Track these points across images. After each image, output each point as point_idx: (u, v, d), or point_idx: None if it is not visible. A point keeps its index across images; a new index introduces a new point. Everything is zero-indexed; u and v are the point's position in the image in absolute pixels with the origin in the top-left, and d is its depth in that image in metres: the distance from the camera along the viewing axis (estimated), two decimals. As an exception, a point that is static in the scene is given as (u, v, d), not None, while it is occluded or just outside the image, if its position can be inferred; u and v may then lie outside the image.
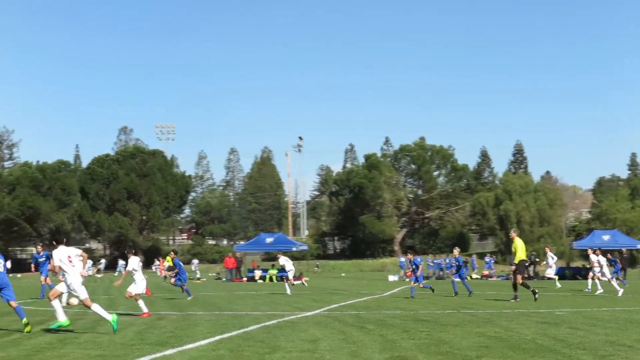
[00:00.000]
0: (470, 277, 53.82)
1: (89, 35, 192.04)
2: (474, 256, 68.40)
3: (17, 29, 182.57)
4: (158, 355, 11.66)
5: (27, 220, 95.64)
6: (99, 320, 16.54)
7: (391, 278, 52.64)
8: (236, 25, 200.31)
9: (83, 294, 15.13)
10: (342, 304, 24.82)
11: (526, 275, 34.51)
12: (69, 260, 15.12)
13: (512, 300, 25.18)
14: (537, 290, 25.35)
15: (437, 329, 15.46)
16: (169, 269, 46.63)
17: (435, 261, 61.20)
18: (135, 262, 20.32)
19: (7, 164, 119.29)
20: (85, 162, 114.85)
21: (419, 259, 30.44)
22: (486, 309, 21.70)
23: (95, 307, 14.97)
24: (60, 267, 15.28)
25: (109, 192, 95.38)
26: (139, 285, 20.38)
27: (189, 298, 27.52)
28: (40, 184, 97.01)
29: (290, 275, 34.28)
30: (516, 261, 25.70)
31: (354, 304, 24.61)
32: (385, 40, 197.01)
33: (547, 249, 44.11)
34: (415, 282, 29.11)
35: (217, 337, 14.11)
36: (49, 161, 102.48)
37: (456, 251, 33.71)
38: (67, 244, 15.81)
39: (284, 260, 34.65)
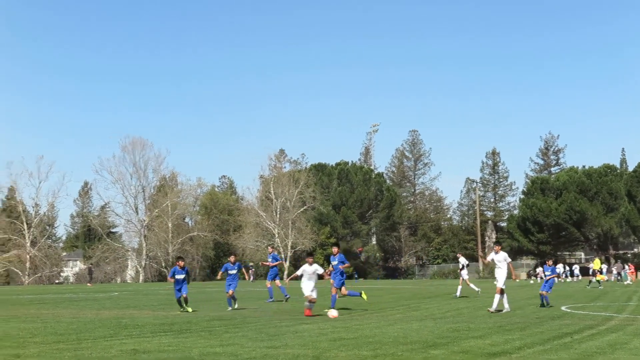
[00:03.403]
0: None
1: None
2: None
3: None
4: None
5: (574, 224, 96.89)
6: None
7: None
8: None
9: None
10: None
11: None
12: None
13: None
14: None
15: None
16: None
17: None
18: None
19: (553, 169, 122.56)
20: (631, 166, 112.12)
21: None
22: None
23: None
24: None
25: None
26: None
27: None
28: (586, 189, 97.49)
29: None
30: None
31: None
32: None
33: None
34: None
35: None
36: (594, 165, 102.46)
37: None
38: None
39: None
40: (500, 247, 23.75)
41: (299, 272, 21.34)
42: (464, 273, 36.27)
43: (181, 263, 24.44)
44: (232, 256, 26.10)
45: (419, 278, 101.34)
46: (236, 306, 25.32)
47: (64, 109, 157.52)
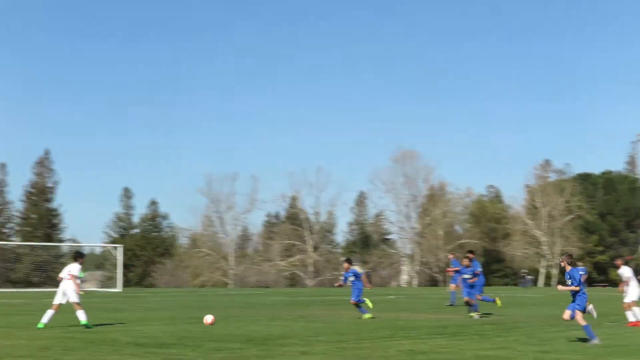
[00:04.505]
0: None
1: None
2: None
3: None
4: None
5: None
6: None
7: None
8: None
9: None
10: None
11: None
12: None
13: None
14: None
15: None
16: None
17: None
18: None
19: None
20: None
21: None
22: None
23: None
24: None
25: None
26: None
27: None
28: None
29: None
30: None
31: None
32: None
33: None
34: None
35: None
36: None
37: None
38: None
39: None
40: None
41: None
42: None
43: (346, 265, 24.44)
44: (465, 259, 25.18)
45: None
46: (475, 316, 23.74)
47: (341, 121, 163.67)
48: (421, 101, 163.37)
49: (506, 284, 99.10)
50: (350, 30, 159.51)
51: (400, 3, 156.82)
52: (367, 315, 23.50)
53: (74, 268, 19.18)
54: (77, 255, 19.96)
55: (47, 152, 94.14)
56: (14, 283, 65.79)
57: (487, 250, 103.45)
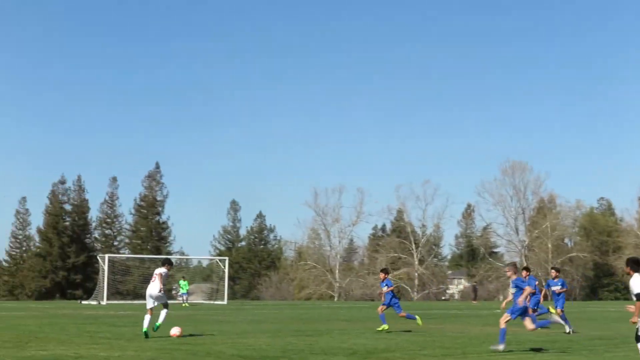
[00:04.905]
0: None
1: None
2: None
3: None
4: None
5: None
6: None
7: None
8: None
9: None
10: None
11: None
12: None
13: None
14: None
15: None
16: None
17: None
18: None
19: None
20: None
21: None
22: None
23: None
24: None
25: None
26: None
27: None
28: None
29: None
30: None
31: None
32: None
33: None
34: None
35: None
36: None
37: None
38: None
39: None
40: None
41: None
42: None
43: (382, 275, 23.97)
44: (553, 270, 24.85)
45: None
46: (567, 330, 22.81)
47: (445, 134, 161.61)
48: (530, 111, 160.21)
49: (617, 298, 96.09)
50: (451, 38, 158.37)
51: (482, 10, 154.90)
52: (384, 327, 23.32)
53: (160, 270, 19.86)
54: (165, 261, 20.65)
55: (157, 166, 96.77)
56: (123, 295, 67.78)
57: (598, 264, 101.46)
